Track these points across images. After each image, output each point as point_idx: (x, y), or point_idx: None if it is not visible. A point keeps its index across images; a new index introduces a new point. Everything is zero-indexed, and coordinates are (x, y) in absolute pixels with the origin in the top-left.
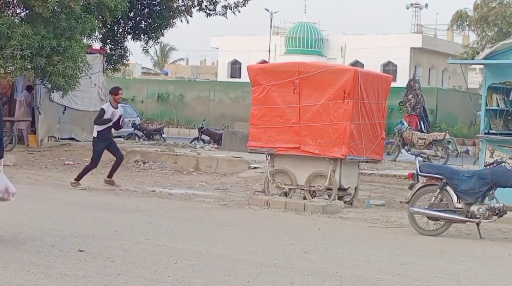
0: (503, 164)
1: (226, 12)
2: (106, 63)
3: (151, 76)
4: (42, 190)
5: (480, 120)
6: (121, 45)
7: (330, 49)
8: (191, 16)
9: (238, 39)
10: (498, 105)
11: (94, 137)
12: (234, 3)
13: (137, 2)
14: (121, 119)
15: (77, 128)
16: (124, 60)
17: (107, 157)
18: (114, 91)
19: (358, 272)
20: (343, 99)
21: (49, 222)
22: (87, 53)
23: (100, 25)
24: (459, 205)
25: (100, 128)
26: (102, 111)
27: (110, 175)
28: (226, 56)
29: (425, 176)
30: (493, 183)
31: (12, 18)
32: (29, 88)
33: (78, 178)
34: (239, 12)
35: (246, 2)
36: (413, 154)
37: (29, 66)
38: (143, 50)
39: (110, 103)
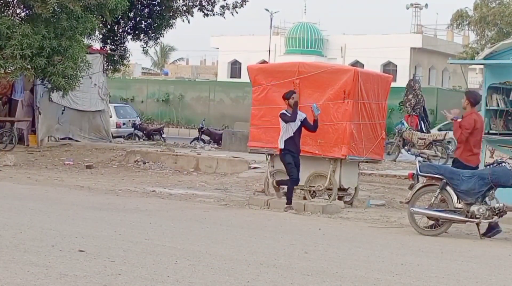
0: (503, 164)
1: (224, 13)
2: (106, 63)
3: (151, 76)
4: (42, 190)
5: None
6: (121, 45)
7: (330, 49)
8: (192, 16)
9: (238, 39)
10: (498, 105)
11: (281, 149)
12: (233, 3)
13: (137, 2)
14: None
15: (75, 128)
16: (124, 61)
17: (107, 157)
18: (287, 96)
19: (358, 272)
20: (343, 99)
21: (49, 222)
22: (87, 53)
23: (100, 25)
24: (459, 205)
25: (285, 137)
26: (283, 114)
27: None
28: (226, 56)
29: (425, 176)
30: (493, 183)
31: (12, 18)
32: (33, 89)
33: (288, 202)
34: (237, 12)
35: (244, 2)
36: (413, 154)
37: (29, 66)
38: (143, 50)
39: (286, 110)
